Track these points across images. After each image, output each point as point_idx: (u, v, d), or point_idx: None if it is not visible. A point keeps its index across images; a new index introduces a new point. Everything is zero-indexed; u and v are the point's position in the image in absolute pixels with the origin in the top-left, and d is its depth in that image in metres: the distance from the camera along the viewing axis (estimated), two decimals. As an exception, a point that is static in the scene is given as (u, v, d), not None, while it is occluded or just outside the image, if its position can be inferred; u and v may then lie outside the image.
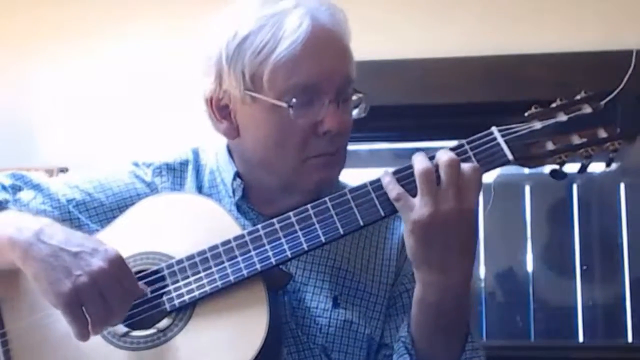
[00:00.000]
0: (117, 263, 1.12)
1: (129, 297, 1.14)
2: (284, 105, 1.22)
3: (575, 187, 3.24)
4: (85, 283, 1.09)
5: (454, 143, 1.21)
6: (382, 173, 1.20)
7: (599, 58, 2.37)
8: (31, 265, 1.12)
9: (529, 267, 3.31)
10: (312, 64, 1.22)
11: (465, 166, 1.15)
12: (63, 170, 2.47)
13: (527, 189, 3.35)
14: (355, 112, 1.30)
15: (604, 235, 3.28)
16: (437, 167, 1.15)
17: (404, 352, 1.25)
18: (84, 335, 1.12)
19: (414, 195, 1.15)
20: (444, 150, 1.18)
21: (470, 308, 1.28)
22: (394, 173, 1.19)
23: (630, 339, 3.15)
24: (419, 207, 1.14)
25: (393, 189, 1.17)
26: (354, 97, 1.29)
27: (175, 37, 2.53)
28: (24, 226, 1.15)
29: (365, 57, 2.40)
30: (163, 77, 2.54)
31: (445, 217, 1.13)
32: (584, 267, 3.27)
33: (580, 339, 3.23)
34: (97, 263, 1.10)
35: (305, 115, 1.23)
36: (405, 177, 1.18)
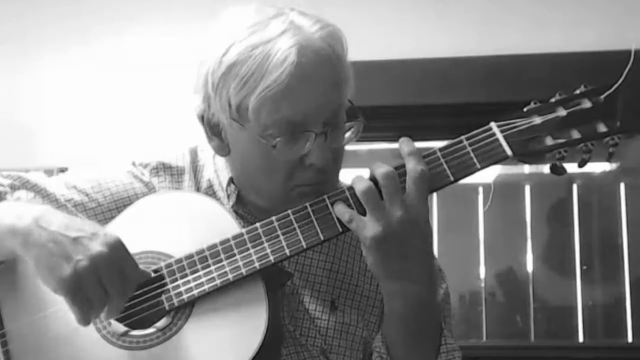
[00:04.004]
0: (117, 247, 1.12)
1: (129, 280, 1.13)
2: (267, 142, 1.19)
3: (575, 187, 3.25)
4: (85, 267, 1.08)
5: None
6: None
7: (600, 58, 2.37)
8: (32, 252, 1.12)
9: (529, 267, 3.31)
10: (297, 99, 1.17)
11: (409, 173, 1.15)
12: (63, 170, 2.47)
13: (527, 189, 3.36)
14: (347, 136, 1.26)
15: (604, 235, 3.29)
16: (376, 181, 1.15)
17: None
18: (85, 320, 1.12)
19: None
20: (378, 163, 1.17)
21: (439, 311, 1.30)
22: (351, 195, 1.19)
23: (630, 339, 3.16)
24: (370, 224, 1.14)
25: (344, 213, 1.17)
26: (348, 123, 1.26)
27: (175, 38, 2.53)
28: (23, 213, 1.15)
29: (366, 57, 2.43)
30: (163, 77, 2.54)
31: (396, 228, 1.13)
32: (584, 267, 3.28)
33: (580, 339, 3.24)
34: (96, 247, 1.10)
35: (290, 150, 1.20)
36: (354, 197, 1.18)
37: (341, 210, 1.18)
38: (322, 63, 1.20)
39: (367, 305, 1.33)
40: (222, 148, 1.29)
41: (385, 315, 1.25)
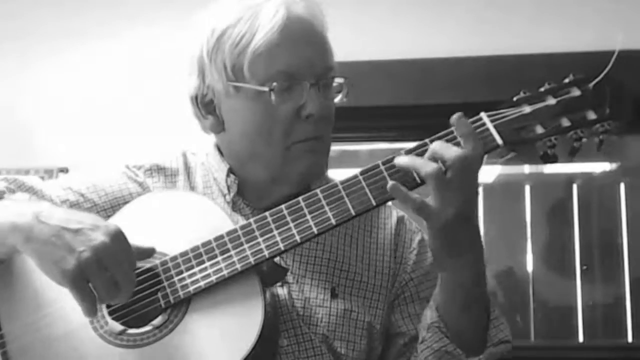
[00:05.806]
0: (119, 237, 1.12)
1: (132, 269, 1.14)
2: (266, 90, 1.25)
3: (575, 187, 3.24)
4: (89, 258, 1.08)
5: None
6: (390, 185, 1.17)
7: (599, 58, 2.37)
8: (34, 247, 1.12)
9: (529, 267, 3.31)
10: (289, 50, 1.26)
11: (460, 153, 1.15)
12: (63, 170, 2.48)
13: (527, 189, 3.36)
14: (337, 98, 1.33)
15: (604, 235, 3.29)
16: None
17: (441, 336, 1.27)
18: (92, 312, 1.12)
19: (409, 184, 1.17)
20: (440, 143, 1.17)
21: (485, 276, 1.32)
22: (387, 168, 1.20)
23: (630, 339, 3.16)
24: (439, 211, 1.15)
25: (414, 201, 1.16)
26: (335, 84, 1.32)
27: (175, 39, 2.53)
28: (23, 210, 1.15)
29: (364, 58, 2.43)
30: (162, 78, 2.54)
31: (462, 211, 1.15)
32: (584, 267, 3.28)
33: (580, 339, 3.23)
34: (99, 237, 1.10)
35: (287, 100, 1.26)
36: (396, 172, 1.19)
37: (408, 196, 1.15)
38: (308, 21, 1.29)
39: (367, 291, 1.35)
40: (217, 125, 1.34)
41: (443, 289, 1.26)
